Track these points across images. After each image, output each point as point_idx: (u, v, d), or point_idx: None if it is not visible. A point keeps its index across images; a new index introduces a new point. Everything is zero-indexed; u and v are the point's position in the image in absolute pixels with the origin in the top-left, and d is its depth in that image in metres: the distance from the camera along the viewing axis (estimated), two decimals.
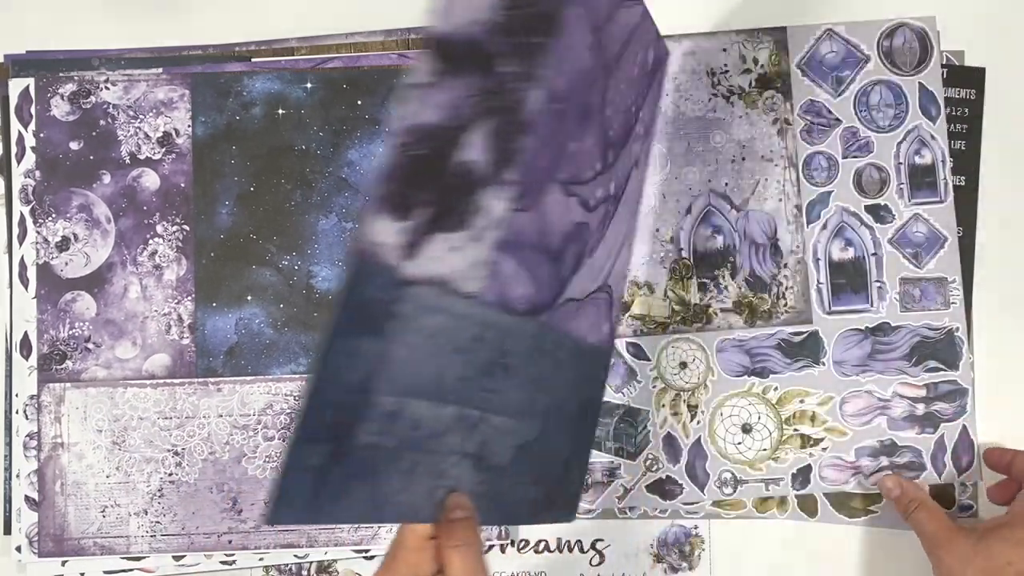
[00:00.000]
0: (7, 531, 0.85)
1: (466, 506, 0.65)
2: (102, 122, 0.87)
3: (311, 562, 0.87)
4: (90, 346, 0.85)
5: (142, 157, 0.87)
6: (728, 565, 0.87)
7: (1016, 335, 0.88)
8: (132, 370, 0.86)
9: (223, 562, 0.86)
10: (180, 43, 0.89)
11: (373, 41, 0.89)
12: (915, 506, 0.82)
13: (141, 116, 0.87)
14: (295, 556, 0.86)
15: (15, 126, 0.87)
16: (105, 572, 0.85)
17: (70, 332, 0.85)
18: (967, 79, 0.88)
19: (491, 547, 0.87)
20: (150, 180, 0.87)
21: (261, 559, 0.86)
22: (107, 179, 0.87)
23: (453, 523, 0.64)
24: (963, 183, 0.88)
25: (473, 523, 0.64)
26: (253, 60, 0.88)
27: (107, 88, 0.87)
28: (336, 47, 0.89)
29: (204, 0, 0.90)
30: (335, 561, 0.87)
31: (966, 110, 0.88)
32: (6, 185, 0.87)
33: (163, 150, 0.87)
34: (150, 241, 0.86)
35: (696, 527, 0.87)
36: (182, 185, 0.87)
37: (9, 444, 0.86)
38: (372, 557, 0.86)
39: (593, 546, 0.87)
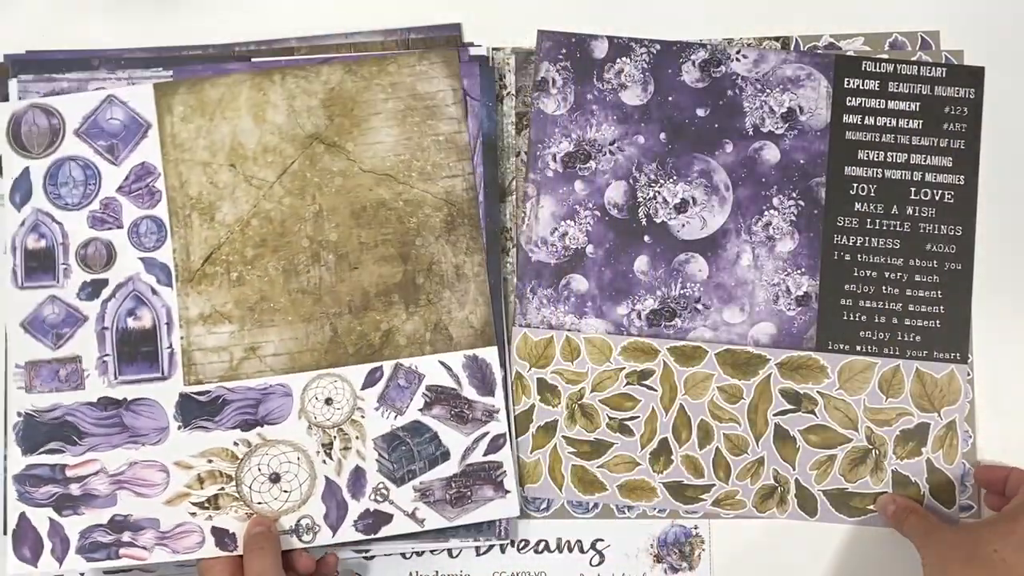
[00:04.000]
0: (6, 531, 0.85)
1: (263, 522, 0.83)
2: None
3: None
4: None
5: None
6: (728, 565, 0.87)
7: (1017, 333, 0.88)
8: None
9: None
10: (180, 43, 0.89)
11: (373, 41, 0.89)
12: (907, 514, 0.83)
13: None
14: None
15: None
16: (105, 572, 0.85)
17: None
18: (966, 78, 0.87)
19: (491, 547, 0.87)
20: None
21: None
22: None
23: (253, 535, 0.82)
24: (962, 182, 0.87)
25: (269, 535, 0.82)
26: (253, 60, 0.89)
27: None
28: (336, 47, 0.89)
29: (204, 0, 0.91)
30: None
31: (965, 109, 0.87)
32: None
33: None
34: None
35: (696, 527, 0.87)
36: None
37: (7, 444, 0.85)
38: (372, 557, 0.86)
39: (593, 546, 0.87)
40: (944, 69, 0.88)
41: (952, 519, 0.85)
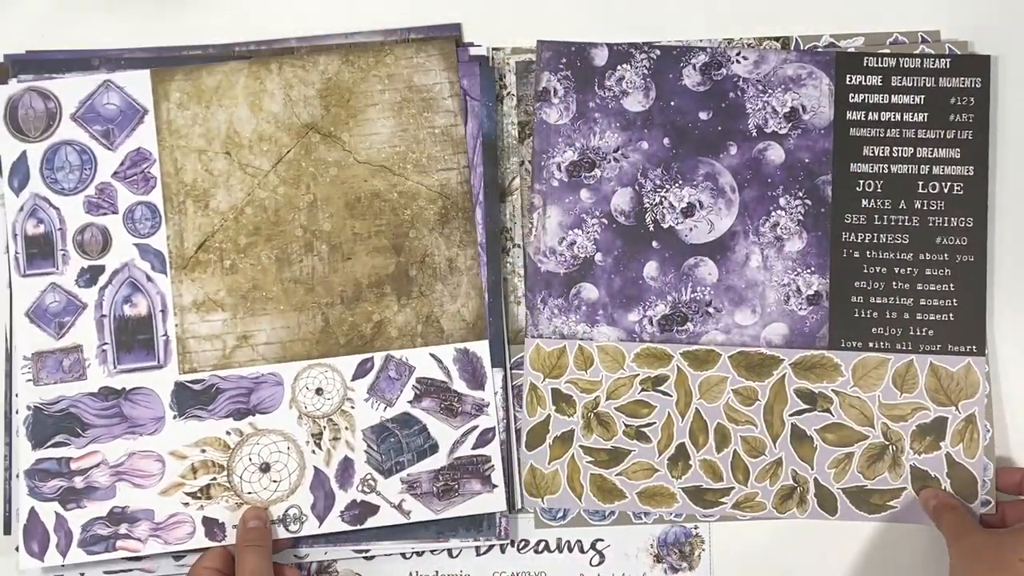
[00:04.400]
0: (7, 531, 0.85)
1: (260, 516, 0.83)
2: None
3: (311, 562, 0.86)
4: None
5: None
6: (728, 565, 0.87)
7: None
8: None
9: None
10: (180, 43, 0.89)
11: (373, 41, 0.89)
12: (944, 511, 0.83)
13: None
14: (295, 556, 0.86)
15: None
16: (105, 572, 0.85)
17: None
18: (972, 68, 0.87)
19: (491, 547, 0.87)
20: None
21: None
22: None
23: (250, 529, 0.82)
24: (971, 173, 0.87)
25: (265, 531, 0.82)
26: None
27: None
28: (336, 47, 0.89)
29: (204, 0, 0.91)
30: (335, 561, 0.87)
31: (972, 99, 0.87)
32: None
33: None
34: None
35: (696, 527, 0.87)
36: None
37: (9, 444, 0.86)
38: (372, 557, 0.86)
39: (593, 546, 0.87)
40: (948, 60, 0.88)
41: (973, 514, 0.85)
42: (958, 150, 0.87)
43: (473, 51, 0.89)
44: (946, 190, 0.87)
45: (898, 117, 0.88)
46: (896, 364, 0.86)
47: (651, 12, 0.90)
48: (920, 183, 0.87)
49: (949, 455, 0.86)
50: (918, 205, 0.87)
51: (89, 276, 0.86)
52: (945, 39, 0.89)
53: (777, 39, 0.89)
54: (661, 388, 0.86)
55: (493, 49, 0.89)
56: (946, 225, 0.87)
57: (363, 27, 0.89)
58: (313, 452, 0.85)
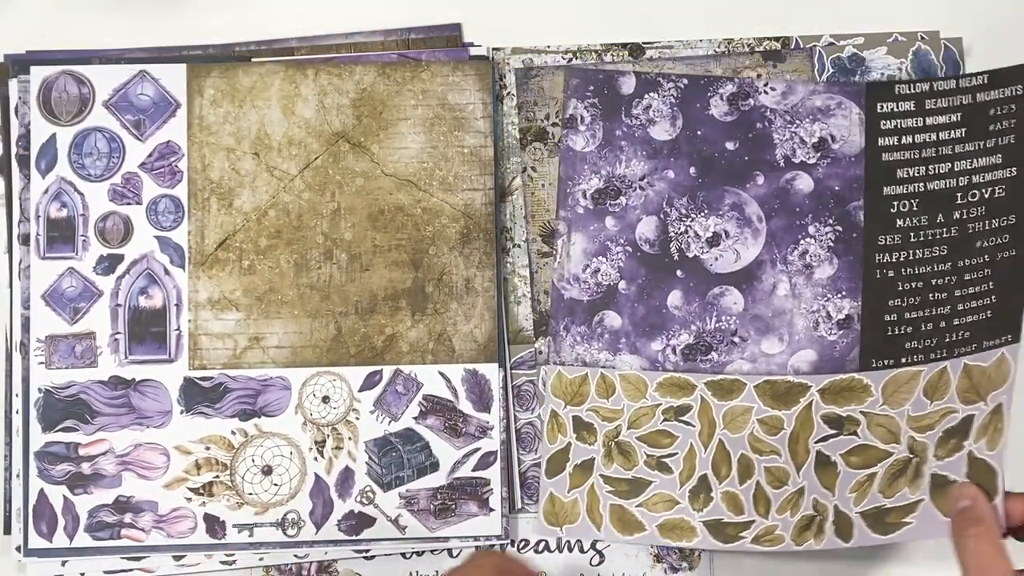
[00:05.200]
0: (7, 531, 0.86)
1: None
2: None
3: (311, 562, 0.87)
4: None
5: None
6: (728, 565, 0.87)
7: None
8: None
9: (223, 562, 0.87)
10: (180, 43, 0.88)
11: (373, 41, 0.88)
12: (971, 524, 0.71)
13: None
14: (295, 556, 0.87)
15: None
16: (105, 572, 0.87)
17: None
18: (1012, 78, 0.83)
19: (491, 547, 0.87)
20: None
21: (261, 559, 0.87)
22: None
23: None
24: (1014, 174, 0.82)
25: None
26: (253, 60, 0.87)
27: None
28: (336, 47, 0.88)
29: (204, 0, 0.90)
30: (335, 561, 0.87)
31: (1013, 107, 0.82)
32: (6, 185, 0.87)
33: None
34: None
35: None
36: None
37: (9, 444, 0.86)
38: (372, 557, 0.87)
39: (593, 546, 0.87)
40: (986, 76, 0.83)
41: (1000, 526, 0.78)
42: (999, 156, 0.83)
43: (473, 51, 0.87)
44: (987, 195, 0.83)
45: (934, 137, 0.84)
46: (929, 374, 0.83)
47: (651, 12, 0.89)
48: (959, 195, 0.83)
49: (971, 452, 0.82)
50: (956, 216, 0.83)
51: (107, 264, 0.87)
52: (944, 39, 0.88)
53: (777, 39, 0.87)
54: (684, 418, 0.85)
55: (493, 49, 0.88)
56: (986, 228, 0.83)
57: (363, 27, 0.88)
58: (315, 459, 0.86)
